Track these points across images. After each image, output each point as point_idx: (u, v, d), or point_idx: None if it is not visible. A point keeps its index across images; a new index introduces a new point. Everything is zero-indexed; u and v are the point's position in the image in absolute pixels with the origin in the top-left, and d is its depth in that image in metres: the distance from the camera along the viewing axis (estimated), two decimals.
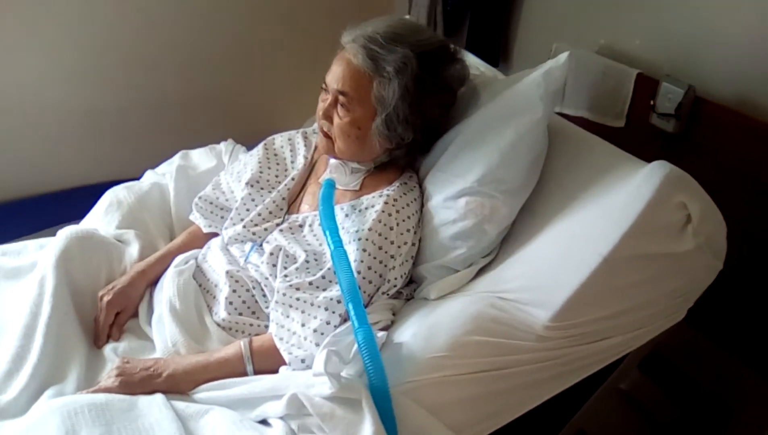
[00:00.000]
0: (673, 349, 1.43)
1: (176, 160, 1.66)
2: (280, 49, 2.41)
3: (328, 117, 1.31)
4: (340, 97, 1.28)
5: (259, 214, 1.38)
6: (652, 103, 1.52)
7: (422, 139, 1.33)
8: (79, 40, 2.05)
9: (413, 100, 1.25)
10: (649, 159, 1.16)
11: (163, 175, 1.64)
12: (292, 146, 1.51)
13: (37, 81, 2.05)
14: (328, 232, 1.16)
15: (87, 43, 2.07)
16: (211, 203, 1.48)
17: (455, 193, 1.23)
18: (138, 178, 1.67)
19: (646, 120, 1.54)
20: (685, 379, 1.53)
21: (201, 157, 1.68)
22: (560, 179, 1.24)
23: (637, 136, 1.57)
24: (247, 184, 1.43)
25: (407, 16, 1.66)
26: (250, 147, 1.64)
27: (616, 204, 1.08)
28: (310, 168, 1.46)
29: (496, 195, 1.21)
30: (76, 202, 1.79)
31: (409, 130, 1.28)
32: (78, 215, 1.60)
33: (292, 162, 1.48)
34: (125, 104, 2.20)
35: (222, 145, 1.72)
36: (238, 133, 1.88)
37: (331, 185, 1.27)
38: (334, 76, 1.28)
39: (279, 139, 1.53)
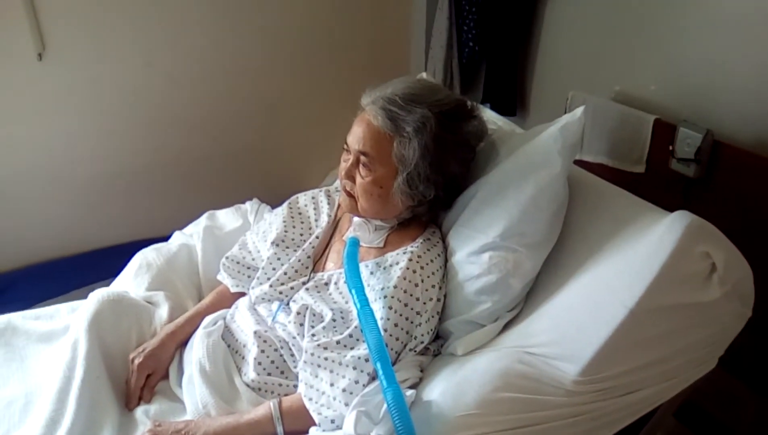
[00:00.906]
0: (710, 396, 1.40)
1: (203, 220, 1.69)
2: (300, 109, 2.45)
3: (350, 177, 1.33)
4: (362, 158, 1.30)
5: (285, 273, 1.39)
6: (671, 148, 1.52)
7: (444, 196, 1.34)
8: (107, 104, 2.12)
9: (433, 159, 1.27)
10: (671, 204, 1.16)
11: (191, 235, 1.67)
12: (315, 205, 1.53)
13: (65, 144, 2.11)
14: (354, 291, 1.17)
15: (115, 107, 2.13)
16: (238, 263, 1.50)
17: (478, 248, 1.24)
18: (166, 237, 1.70)
19: (666, 165, 1.55)
20: (721, 427, 1.49)
21: (227, 217, 1.71)
22: (583, 231, 1.24)
23: (659, 181, 1.58)
24: (272, 243, 1.45)
25: (424, 74, 1.69)
26: (274, 205, 1.66)
27: (639, 256, 1.08)
28: (334, 226, 1.47)
29: (519, 249, 1.21)
30: (106, 262, 1.83)
31: (431, 187, 1.29)
32: (108, 275, 1.63)
33: (316, 220, 1.50)
34: (152, 165, 2.26)
35: (247, 205, 1.75)
36: (262, 190, 1.91)
37: (355, 243, 1.28)
38: (356, 137, 1.31)
39: (303, 198, 1.55)
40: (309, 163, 2.52)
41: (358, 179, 1.32)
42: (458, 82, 2.24)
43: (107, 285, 1.55)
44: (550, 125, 1.28)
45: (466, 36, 2.17)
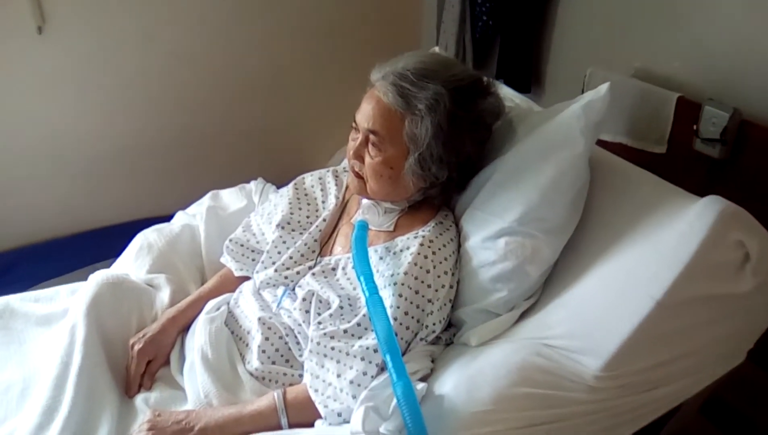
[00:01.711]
0: (737, 391, 1.35)
1: (206, 200, 1.65)
2: (307, 85, 2.41)
3: (359, 156, 1.27)
4: (371, 137, 1.24)
5: (291, 257, 1.35)
6: (695, 127, 1.47)
7: (457, 177, 1.28)
8: (109, 80, 2.08)
9: (447, 138, 1.21)
10: (694, 186, 1.11)
11: (194, 216, 1.63)
12: (322, 186, 1.48)
13: (64, 121, 2.08)
14: (362, 278, 1.12)
15: (117, 82, 2.10)
16: (242, 246, 1.46)
17: (494, 233, 1.19)
18: (168, 216, 1.66)
19: (690, 145, 1.50)
20: (750, 424, 1.44)
21: (231, 197, 1.66)
22: (605, 216, 1.19)
23: (681, 162, 1.53)
24: (278, 226, 1.40)
25: (436, 48, 1.62)
26: (280, 185, 1.62)
27: (667, 244, 1.02)
28: (342, 208, 1.42)
29: (538, 234, 1.16)
30: (108, 242, 1.80)
31: (444, 168, 1.23)
32: (111, 255, 1.60)
33: (323, 202, 1.45)
34: (154, 142, 2.23)
35: (252, 185, 1.70)
36: (267, 168, 1.89)
37: (363, 227, 1.23)
38: (364, 115, 1.25)
39: (309, 179, 1.50)
40: (316, 141, 2.48)
41: (367, 159, 1.26)
42: (471, 57, 2.20)
43: (109, 265, 1.52)
44: (572, 103, 1.22)
45: (479, 10, 2.11)
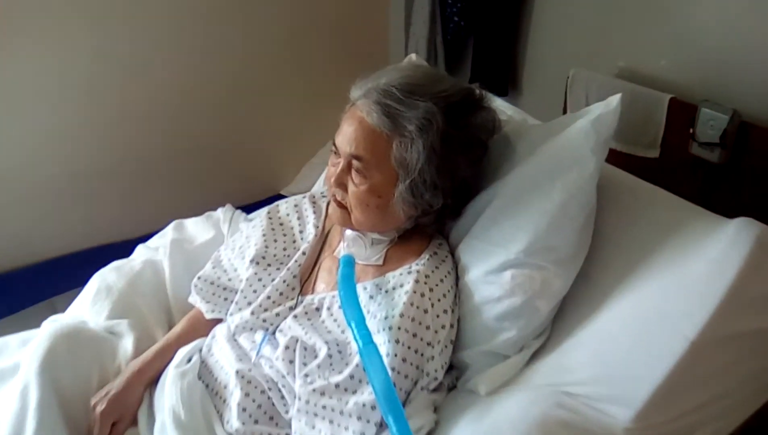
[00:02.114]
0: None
1: (169, 232, 1.51)
2: (274, 100, 2.34)
3: (341, 184, 1.14)
4: (354, 162, 1.11)
5: (269, 297, 1.22)
6: (691, 131, 1.40)
7: (452, 203, 1.17)
8: (55, 97, 1.99)
9: (441, 161, 1.09)
10: (691, 192, 1.05)
11: (156, 249, 1.49)
12: (299, 214, 1.34)
13: (10, 144, 1.97)
14: (353, 325, 1.00)
15: (64, 101, 2.01)
16: (212, 284, 1.32)
17: (498, 265, 1.08)
18: (129, 242, 1.56)
19: (685, 149, 1.43)
20: None
21: (197, 228, 1.52)
22: (618, 240, 1.09)
23: (676, 167, 1.47)
24: (251, 261, 1.27)
25: (413, 56, 1.50)
26: (248, 207, 1.53)
27: (698, 274, 0.93)
28: (323, 239, 1.29)
29: (547, 266, 1.05)
30: (64, 272, 1.80)
31: (438, 194, 1.11)
32: (67, 287, 1.53)
33: (301, 232, 1.32)
34: (110, 165, 2.14)
35: (219, 212, 1.57)
36: (233, 188, 1.88)
37: (349, 263, 1.10)
38: (346, 138, 1.12)
39: (284, 207, 1.36)
40: (282, 156, 2.41)
41: (351, 187, 1.13)
42: (443, 60, 2.15)
43: (66, 304, 1.40)
44: (578, 117, 1.11)
45: (450, 10, 2.06)
